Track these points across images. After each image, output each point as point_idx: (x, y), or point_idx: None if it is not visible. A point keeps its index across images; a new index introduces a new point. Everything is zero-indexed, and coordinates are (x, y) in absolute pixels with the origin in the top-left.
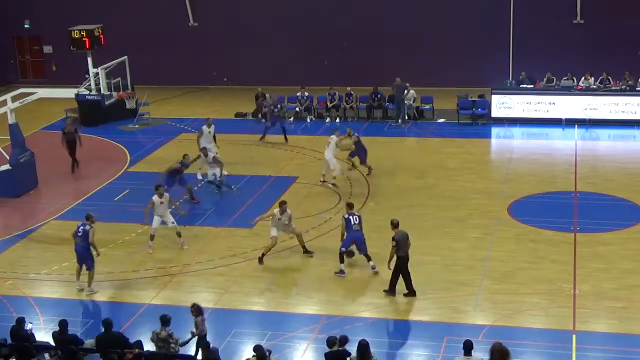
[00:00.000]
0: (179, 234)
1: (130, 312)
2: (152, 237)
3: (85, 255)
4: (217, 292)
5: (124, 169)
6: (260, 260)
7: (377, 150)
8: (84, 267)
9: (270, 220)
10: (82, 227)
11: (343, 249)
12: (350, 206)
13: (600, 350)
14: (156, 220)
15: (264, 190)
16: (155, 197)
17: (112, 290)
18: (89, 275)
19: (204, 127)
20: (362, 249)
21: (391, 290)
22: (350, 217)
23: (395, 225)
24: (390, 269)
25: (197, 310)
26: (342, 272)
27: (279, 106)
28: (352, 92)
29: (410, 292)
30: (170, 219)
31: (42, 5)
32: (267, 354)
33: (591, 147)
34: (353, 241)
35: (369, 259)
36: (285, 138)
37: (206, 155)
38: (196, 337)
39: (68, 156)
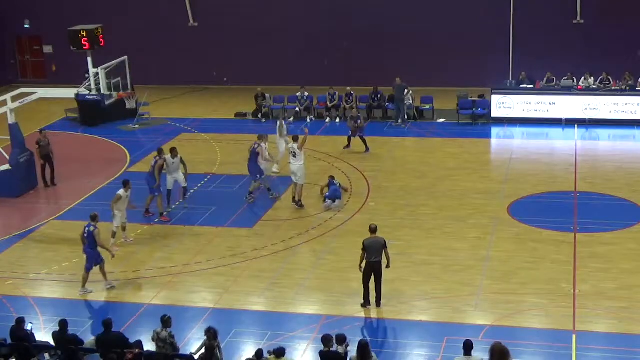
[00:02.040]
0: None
1: (130, 312)
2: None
3: (93, 256)
4: (217, 292)
5: (124, 169)
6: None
7: (377, 150)
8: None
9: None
10: (87, 228)
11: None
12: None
13: (600, 350)
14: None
15: (264, 190)
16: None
17: (112, 290)
18: (103, 271)
19: (168, 157)
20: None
21: (365, 301)
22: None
23: (371, 230)
24: (361, 271)
25: (213, 334)
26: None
27: (359, 121)
28: (352, 92)
29: (366, 303)
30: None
31: (42, 5)
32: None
33: (591, 147)
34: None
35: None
36: (366, 147)
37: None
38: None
39: (68, 156)
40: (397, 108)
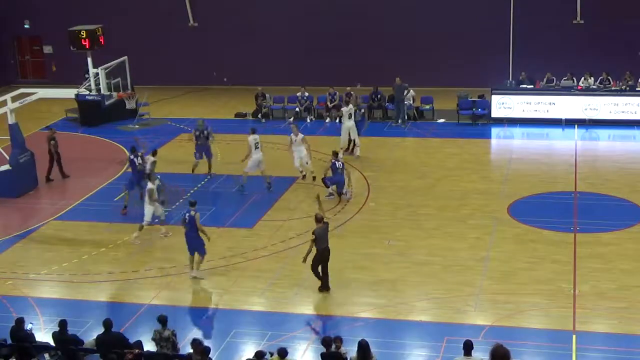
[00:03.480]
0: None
1: (130, 312)
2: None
3: (195, 242)
4: (217, 292)
5: (124, 169)
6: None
7: (377, 150)
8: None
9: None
10: (187, 214)
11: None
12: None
13: (600, 350)
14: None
15: (264, 190)
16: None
17: (112, 291)
18: (197, 261)
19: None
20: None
21: (323, 286)
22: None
23: (318, 219)
24: (304, 262)
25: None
26: (331, 194)
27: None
28: (352, 92)
29: (325, 287)
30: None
31: (42, 5)
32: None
33: (591, 147)
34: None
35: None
36: None
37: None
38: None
39: (68, 156)
40: (397, 108)
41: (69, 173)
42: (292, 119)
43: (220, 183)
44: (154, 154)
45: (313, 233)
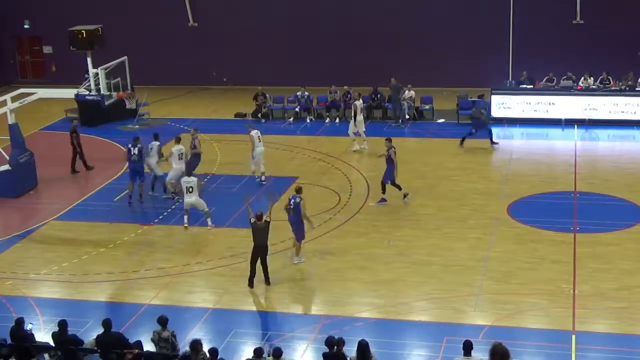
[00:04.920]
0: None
1: (130, 312)
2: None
3: (298, 227)
4: (217, 292)
5: (124, 169)
6: None
7: (377, 150)
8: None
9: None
10: (293, 200)
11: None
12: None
13: (600, 350)
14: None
15: (264, 190)
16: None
17: (112, 291)
18: (297, 247)
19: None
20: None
21: (250, 282)
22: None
23: (257, 217)
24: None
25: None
26: (383, 200)
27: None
28: (350, 92)
29: (251, 283)
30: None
31: (42, 5)
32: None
33: (591, 147)
34: None
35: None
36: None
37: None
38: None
39: (68, 157)
40: (394, 108)
41: (69, 173)
42: (291, 119)
43: (220, 183)
44: (178, 140)
45: (253, 224)
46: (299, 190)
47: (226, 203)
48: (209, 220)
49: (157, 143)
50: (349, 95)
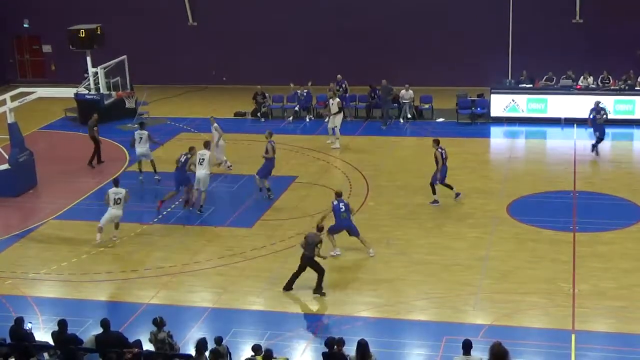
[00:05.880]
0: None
1: (129, 311)
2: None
3: (352, 225)
4: (217, 291)
5: (123, 168)
6: None
7: (377, 150)
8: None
9: None
10: (343, 204)
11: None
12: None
13: (600, 349)
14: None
15: (264, 189)
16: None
17: (111, 290)
18: (363, 240)
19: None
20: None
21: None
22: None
23: (319, 228)
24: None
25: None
26: (436, 201)
27: (602, 113)
28: (345, 81)
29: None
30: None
31: (42, 5)
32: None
33: (591, 146)
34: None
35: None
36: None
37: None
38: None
39: (67, 156)
40: (382, 109)
41: (68, 173)
42: (291, 119)
43: (220, 183)
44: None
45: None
46: (340, 194)
47: (226, 203)
48: (98, 235)
49: (146, 132)
50: (343, 85)
